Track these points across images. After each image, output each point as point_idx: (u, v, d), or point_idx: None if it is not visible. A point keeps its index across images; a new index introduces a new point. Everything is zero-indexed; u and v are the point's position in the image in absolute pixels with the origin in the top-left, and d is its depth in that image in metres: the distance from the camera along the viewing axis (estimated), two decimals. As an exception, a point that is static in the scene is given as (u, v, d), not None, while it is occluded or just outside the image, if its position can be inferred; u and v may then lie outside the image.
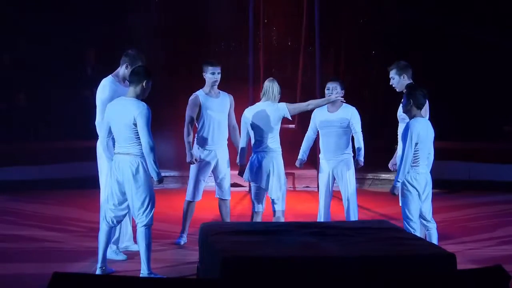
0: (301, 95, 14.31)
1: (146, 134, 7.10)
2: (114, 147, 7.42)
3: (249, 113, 8.47)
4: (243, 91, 12.65)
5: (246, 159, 8.87)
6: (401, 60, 8.48)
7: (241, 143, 8.58)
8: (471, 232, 9.66)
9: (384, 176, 13.32)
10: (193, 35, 14.92)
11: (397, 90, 8.40)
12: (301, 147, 9.03)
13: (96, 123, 7.99)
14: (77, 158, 12.96)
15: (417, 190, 7.44)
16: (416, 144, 7.41)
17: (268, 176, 8.37)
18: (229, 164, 9.01)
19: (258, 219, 8.50)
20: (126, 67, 8.07)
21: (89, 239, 8.72)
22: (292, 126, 12.63)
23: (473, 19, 14.80)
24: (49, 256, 8.24)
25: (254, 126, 8.40)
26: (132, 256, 8.12)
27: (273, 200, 8.42)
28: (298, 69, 14.72)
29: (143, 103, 7.20)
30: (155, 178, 7.21)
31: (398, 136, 8.19)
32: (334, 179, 8.83)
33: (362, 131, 8.82)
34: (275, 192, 8.37)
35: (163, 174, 7.42)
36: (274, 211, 8.46)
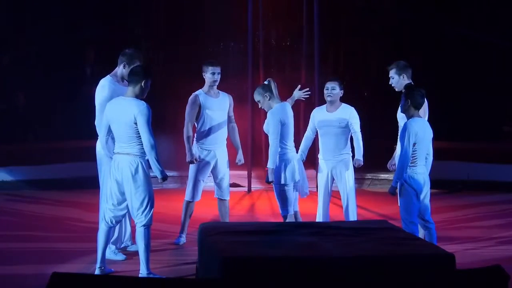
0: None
1: (147, 132, 7.09)
2: (113, 146, 7.43)
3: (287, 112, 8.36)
4: (243, 91, 12.66)
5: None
6: (401, 60, 8.50)
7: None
8: (470, 232, 9.66)
9: (383, 176, 13.33)
10: (192, 35, 14.92)
11: (396, 89, 8.41)
12: (300, 147, 9.03)
13: (95, 123, 7.99)
14: (77, 158, 12.96)
15: (415, 190, 7.44)
16: (414, 144, 7.41)
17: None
18: (229, 164, 9.00)
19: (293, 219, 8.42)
20: (124, 66, 8.07)
21: (88, 239, 8.71)
22: None
23: (473, 19, 14.81)
24: (48, 256, 8.24)
25: (290, 126, 8.31)
26: (131, 256, 8.12)
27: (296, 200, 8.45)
28: (298, 69, 14.72)
29: (143, 102, 7.20)
30: (159, 176, 7.19)
31: (397, 136, 8.19)
32: (333, 179, 8.83)
33: (361, 130, 8.83)
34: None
35: (163, 174, 7.40)
36: (297, 211, 8.45)
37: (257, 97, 8.28)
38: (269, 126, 8.14)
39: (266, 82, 8.31)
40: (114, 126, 7.26)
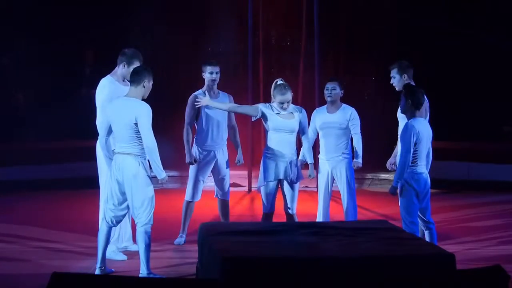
0: (302, 95, 14.32)
1: (147, 133, 7.10)
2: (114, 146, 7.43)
3: None
4: (243, 92, 12.65)
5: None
6: (402, 60, 8.51)
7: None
8: (471, 232, 9.66)
9: (383, 176, 13.33)
10: (192, 35, 14.91)
11: (397, 89, 8.41)
12: (301, 148, 9.02)
13: (97, 123, 7.99)
14: (77, 158, 12.96)
15: (415, 190, 7.44)
16: (415, 144, 7.41)
17: None
18: (229, 164, 8.99)
19: None
20: (124, 66, 8.08)
21: (88, 239, 8.73)
22: None
23: (473, 19, 14.80)
24: (48, 256, 8.25)
25: None
26: (132, 256, 8.12)
27: None
28: (298, 69, 14.72)
29: (144, 102, 7.21)
30: (159, 177, 7.22)
31: (398, 136, 8.19)
32: (333, 179, 8.84)
33: (361, 131, 8.83)
34: None
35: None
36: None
37: (290, 96, 8.21)
38: (306, 124, 8.30)
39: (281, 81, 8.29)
40: (115, 126, 7.27)
